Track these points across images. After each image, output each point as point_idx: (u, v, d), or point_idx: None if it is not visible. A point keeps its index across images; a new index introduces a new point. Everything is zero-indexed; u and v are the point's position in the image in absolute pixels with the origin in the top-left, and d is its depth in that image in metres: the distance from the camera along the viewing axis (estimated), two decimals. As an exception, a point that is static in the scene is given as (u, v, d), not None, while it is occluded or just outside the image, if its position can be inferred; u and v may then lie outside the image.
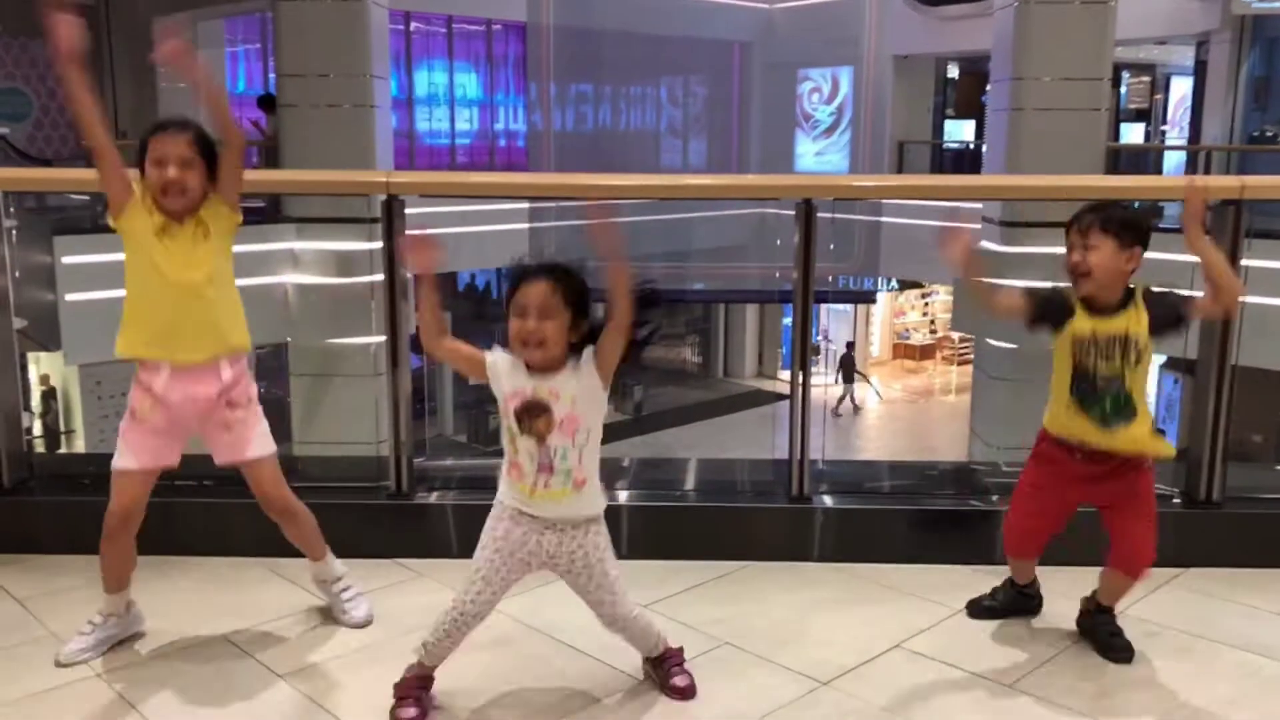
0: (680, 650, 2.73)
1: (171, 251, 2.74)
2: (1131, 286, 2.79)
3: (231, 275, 2.86)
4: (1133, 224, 2.75)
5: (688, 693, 2.64)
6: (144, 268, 2.76)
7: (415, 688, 2.59)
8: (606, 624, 2.65)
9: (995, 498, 3.74)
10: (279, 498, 2.95)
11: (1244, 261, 3.50)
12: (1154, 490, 2.89)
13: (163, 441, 2.84)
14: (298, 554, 3.07)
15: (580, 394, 2.45)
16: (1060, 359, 2.84)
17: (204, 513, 3.65)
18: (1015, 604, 3.14)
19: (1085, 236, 2.75)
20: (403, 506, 3.66)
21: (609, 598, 2.59)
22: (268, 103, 11.27)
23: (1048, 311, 2.85)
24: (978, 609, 3.14)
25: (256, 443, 2.90)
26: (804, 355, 3.57)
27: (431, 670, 2.61)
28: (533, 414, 2.43)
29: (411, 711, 2.54)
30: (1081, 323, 2.80)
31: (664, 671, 2.68)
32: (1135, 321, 2.77)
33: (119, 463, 2.83)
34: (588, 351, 2.46)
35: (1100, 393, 2.80)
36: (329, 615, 3.13)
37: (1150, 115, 18.40)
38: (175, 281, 2.74)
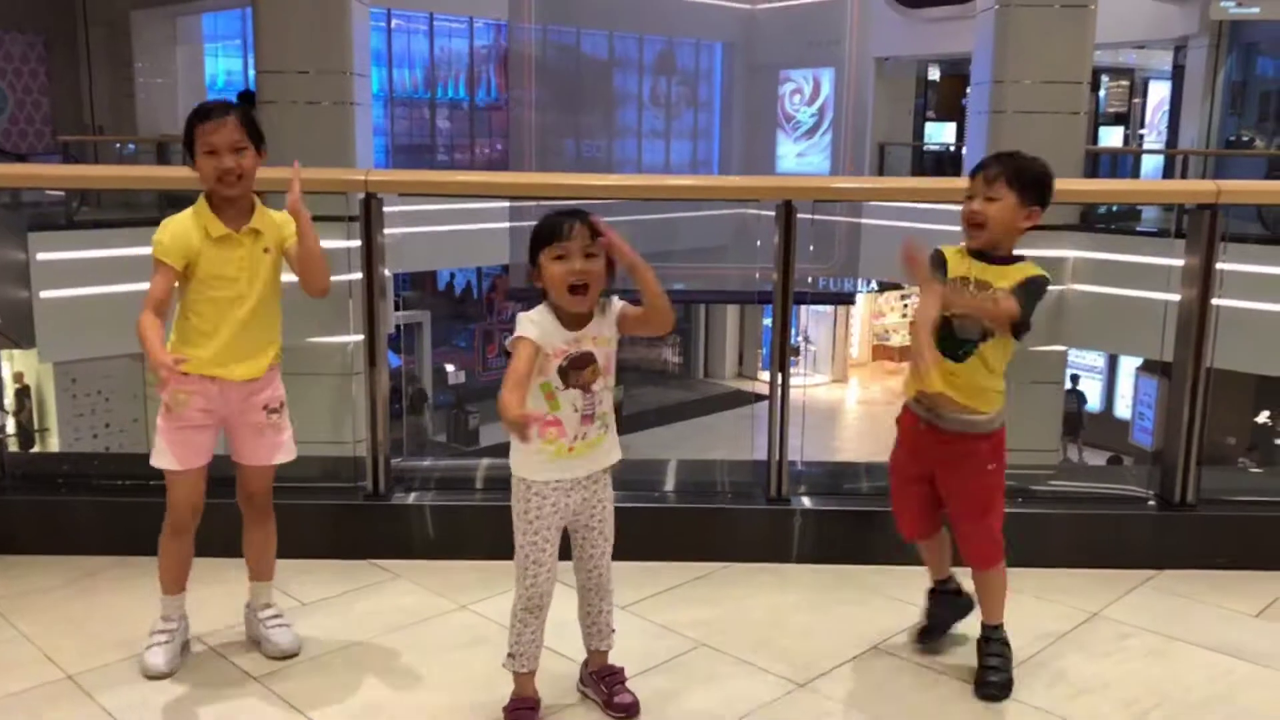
0: (623, 669, 2.70)
1: (240, 262, 2.71)
2: (1021, 255, 2.66)
3: (280, 289, 2.83)
4: (1041, 182, 2.61)
5: (633, 710, 2.60)
6: (213, 284, 2.70)
7: (525, 708, 2.55)
8: (592, 591, 2.62)
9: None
10: (266, 496, 2.92)
11: (1219, 265, 3.53)
12: (992, 474, 2.72)
13: (201, 438, 2.79)
14: (276, 554, 3.03)
15: (610, 336, 2.51)
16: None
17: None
18: (951, 611, 2.98)
19: (989, 186, 2.61)
20: (379, 507, 3.64)
21: (609, 551, 2.61)
22: (247, 99, 11.20)
23: (940, 271, 2.71)
24: (925, 635, 2.98)
25: (284, 449, 2.88)
26: (783, 356, 3.57)
27: (532, 684, 2.57)
28: (579, 366, 2.45)
29: None
30: (958, 265, 2.67)
31: (608, 689, 2.64)
32: (1008, 283, 2.61)
33: (160, 462, 2.78)
34: (610, 302, 2.50)
35: (955, 339, 2.66)
36: (304, 616, 3.10)
37: (1129, 119, 18.52)
38: (242, 293, 2.71)
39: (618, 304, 2.53)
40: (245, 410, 2.81)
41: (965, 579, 2.92)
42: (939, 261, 2.71)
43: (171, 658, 2.81)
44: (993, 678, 2.72)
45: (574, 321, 2.46)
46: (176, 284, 2.71)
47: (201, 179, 2.70)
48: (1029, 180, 2.57)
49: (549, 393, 2.46)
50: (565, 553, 2.59)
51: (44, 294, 7.99)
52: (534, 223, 2.48)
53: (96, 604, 3.22)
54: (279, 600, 3.12)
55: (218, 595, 3.20)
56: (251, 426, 2.83)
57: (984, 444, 2.72)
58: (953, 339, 2.69)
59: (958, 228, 9.89)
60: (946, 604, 2.98)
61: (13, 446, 10.62)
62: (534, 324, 2.44)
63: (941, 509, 2.84)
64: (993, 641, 2.78)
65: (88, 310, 8.09)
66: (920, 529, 2.90)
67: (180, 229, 2.70)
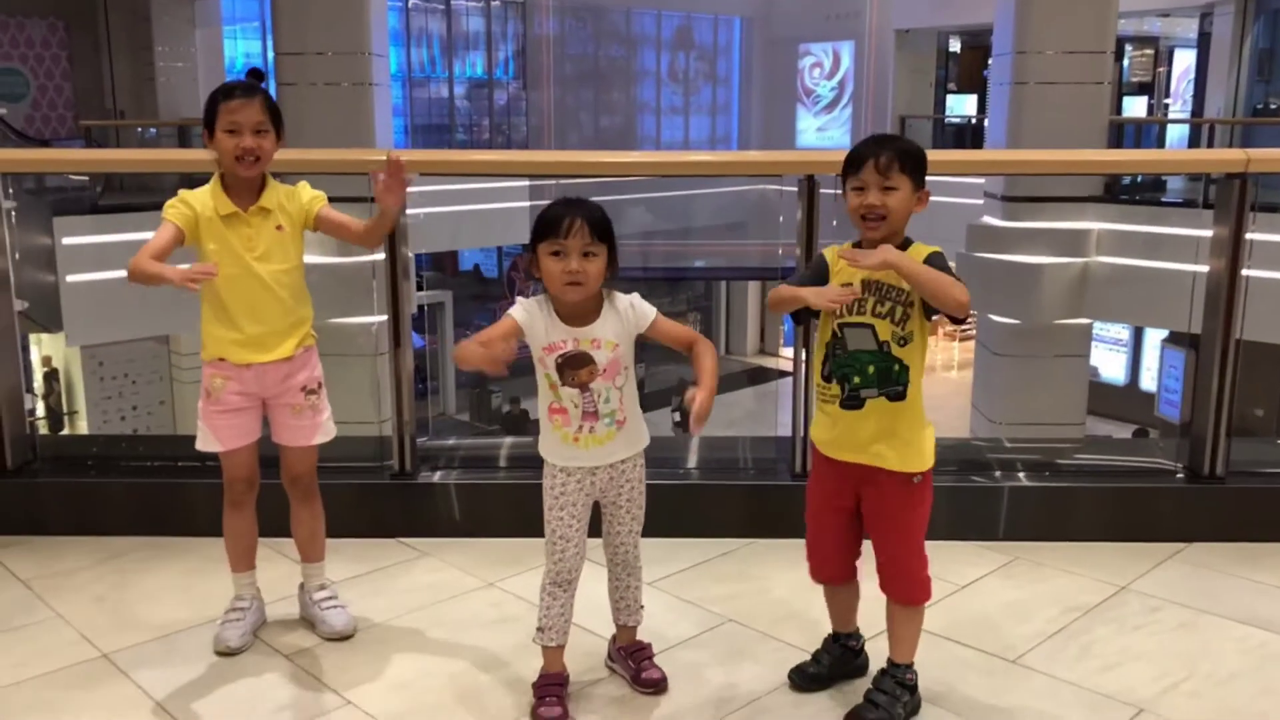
0: (650, 645, 2.71)
1: (248, 240, 2.72)
2: (909, 237, 2.43)
3: (302, 266, 2.84)
4: (924, 163, 2.41)
5: (661, 685, 2.62)
6: (225, 259, 2.70)
7: (553, 684, 2.55)
8: (620, 567, 2.63)
9: (997, 474, 3.74)
10: (311, 477, 2.96)
11: (1249, 235, 3.48)
12: (921, 512, 2.49)
13: (242, 419, 2.81)
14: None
15: (621, 338, 2.47)
16: (822, 327, 2.49)
17: (207, 494, 3.65)
18: (841, 664, 2.66)
19: (885, 175, 2.35)
20: (406, 486, 3.66)
21: (638, 529, 2.61)
22: (256, 76, 11.22)
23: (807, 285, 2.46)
24: (802, 677, 2.64)
25: (322, 429, 2.90)
26: (806, 332, 3.56)
27: (561, 660, 2.57)
28: (574, 365, 2.45)
29: (556, 710, 2.48)
30: (846, 271, 2.42)
31: (635, 664, 2.65)
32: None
33: (205, 446, 2.82)
34: (637, 303, 2.48)
35: (850, 357, 2.41)
36: (333, 595, 3.13)
37: (1153, 88, 18.29)
38: (255, 270, 2.72)
39: (649, 313, 2.49)
40: (283, 392, 2.82)
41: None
42: (820, 267, 2.49)
43: (242, 634, 2.85)
44: (868, 714, 2.46)
45: (573, 319, 2.45)
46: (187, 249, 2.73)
47: (221, 155, 2.70)
48: (917, 163, 2.39)
49: (551, 384, 2.48)
50: (597, 530, 2.61)
51: (70, 278, 8.07)
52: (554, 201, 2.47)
53: (128, 584, 3.25)
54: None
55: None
56: (289, 408, 2.84)
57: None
58: (843, 357, 2.42)
59: (976, 201, 9.85)
60: (846, 657, 2.68)
61: (42, 429, 10.76)
62: (524, 310, 2.47)
63: (857, 552, 2.58)
64: (887, 678, 2.52)
65: (113, 294, 8.15)
66: (832, 569, 2.62)
67: (189, 197, 2.72)
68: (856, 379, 2.42)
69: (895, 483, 2.46)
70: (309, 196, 2.82)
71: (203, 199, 2.71)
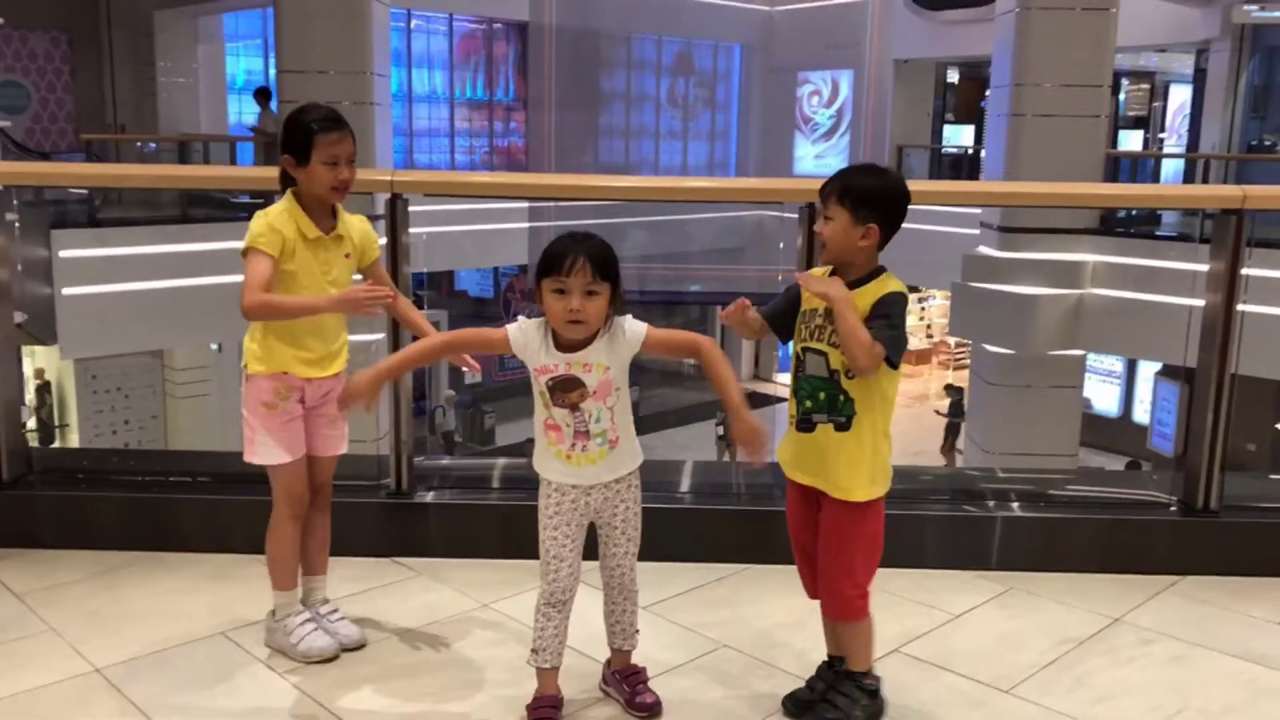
0: (645, 669, 2.71)
1: (325, 264, 2.82)
2: (882, 267, 2.47)
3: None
4: (873, 198, 2.43)
5: (655, 710, 2.61)
6: (303, 280, 2.78)
7: (548, 706, 2.55)
8: (615, 590, 2.63)
9: (991, 503, 3.74)
10: (330, 487, 3.04)
11: (1244, 270, 3.51)
12: (858, 532, 2.50)
13: (299, 427, 2.89)
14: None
15: (613, 361, 2.47)
16: (794, 348, 2.58)
17: (202, 509, 3.65)
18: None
19: (825, 205, 2.47)
20: (403, 505, 3.66)
21: (634, 550, 2.62)
22: (264, 95, 11.29)
23: (781, 311, 2.60)
24: (796, 704, 2.63)
25: (345, 439, 3.01)
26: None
27: (555, 682, 2.57)
28: (565, 389, 2.47)
29: None
30: (811, 299, 2.52)
31: (630, 688, 2.65)
32: (861, 305, 2.41)
33: (269, 458, 2.85)
34: (629, 325, 2.47)
35: (805, 381, 2.50)
36: (327, 613, 3.12)
37: (1149, 122, 18.43)
38: (329, 293, 2.80)
39: (640, 330, 2.48)
40: (323, 403, 2.91)
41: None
42: (793, 291, 2.59)
43: (328, 634, 2.89)
44: (827, 714, 2.54)
45: (567, 345, 2.46)
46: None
47: (314, 184, 2.77)
48: (859, 197, 2.42)
49: (544, 401, 2.50)
50: (593, 553, 2.61)
51: (66, 291, 8.07)
52: (553, 223, 2.50)
53: (121, 598, 3.24)
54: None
55: (241, 591, 3.23)
56: (325, 417, 2.93)
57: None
58: (799, 378, 2.53)
59: (972, 231, 9.95)
60: (833, 685, 2.63)
61: (33, 442, 10.72)
62: (520, 331, 2.49)
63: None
64: (846, 682, 2.56)
65: (109, 307, 8.16)
66: (810, 580, 2.64)
67: (276, 221, 2.75)
68: (809, 402, 2.50)
69: (836, 505, 2.50)
70: (374, 241, 2.96)
71: (285, 222, 2.76)
